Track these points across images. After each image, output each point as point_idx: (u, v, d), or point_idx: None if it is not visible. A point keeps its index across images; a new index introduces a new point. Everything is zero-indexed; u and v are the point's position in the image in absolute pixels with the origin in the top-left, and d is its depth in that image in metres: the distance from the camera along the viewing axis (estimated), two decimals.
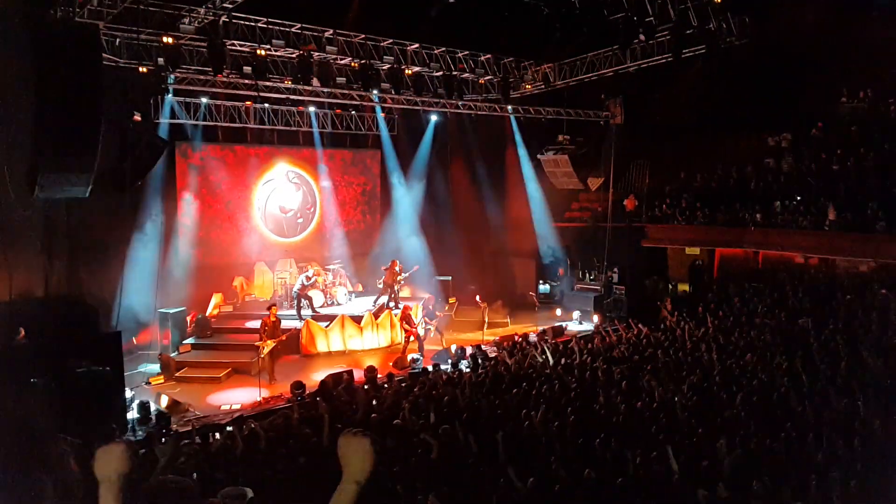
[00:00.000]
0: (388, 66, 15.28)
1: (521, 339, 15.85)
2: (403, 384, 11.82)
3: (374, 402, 10.38)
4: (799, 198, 19.15)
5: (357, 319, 16.83)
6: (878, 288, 16.16)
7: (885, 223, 16.54)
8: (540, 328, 17.58)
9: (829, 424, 8.43)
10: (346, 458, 2.10)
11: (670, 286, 21.15)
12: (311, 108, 19.52)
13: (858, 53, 19.54)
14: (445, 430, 7.73)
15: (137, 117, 15.45)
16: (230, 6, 11.96)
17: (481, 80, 17.47)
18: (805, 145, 20.93)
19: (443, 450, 7.17)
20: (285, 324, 15.74)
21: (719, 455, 7.12)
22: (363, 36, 14.55)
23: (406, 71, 15.57)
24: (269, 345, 13.46)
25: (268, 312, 14.15)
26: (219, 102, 17.92)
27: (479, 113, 19.13)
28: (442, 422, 8.25)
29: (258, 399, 12.77)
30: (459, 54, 16.21)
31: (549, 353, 13.11)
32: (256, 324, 14.52)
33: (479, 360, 13.71)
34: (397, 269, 17.91)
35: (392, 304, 17.75)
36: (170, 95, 16.68)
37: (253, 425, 9.28)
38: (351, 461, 2.09)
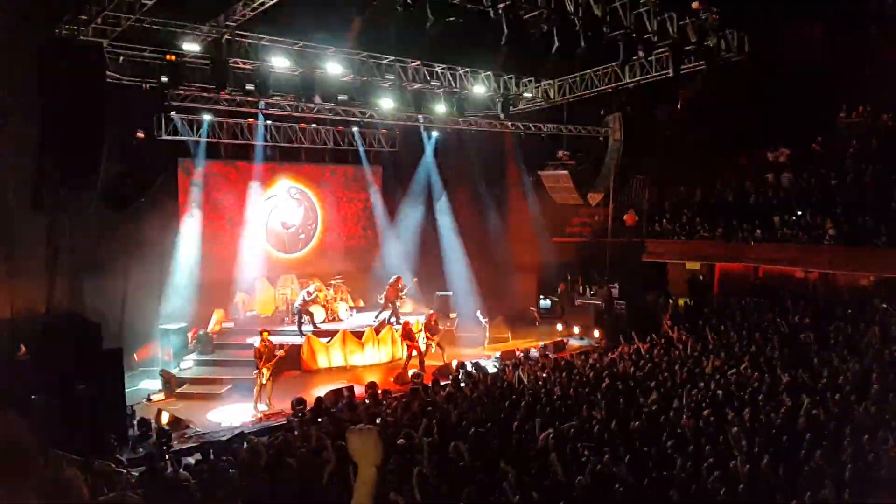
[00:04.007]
0: (390, 83, 15.39)
1: (521, 355, 15.84)
2: (404, 400, 11.79)
3: (376, 420, 10.35)
4: (799, 212, 19.18)
5: (358, 335, 16.82)
6: (879, 302, 16.15)
7: (885, 237, 16.57)
8: (541, 343, 17.57)
9: (828, 439, 8.41)
10: (360, 451, 2.29)
11: (671, 301, 21.15)
12: (313, 125, 19.62)
13: (857, 69, 19.68)
14: (444, 447, 7.72)
15: (140, 134, 15.58)
16: (233, 24, 12.06)
17: (481, 98, 17.57)
18: (804, 160, 21.01)
19: (441, 466, 7.15)
20: (286, 339, 15.77)
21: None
22: (365, 54, 14.68)
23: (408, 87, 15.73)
24: (267, 370, 13.27)
25: (259, 338, 13.70)
26: (221, 119, 18.03)
27: (479, 129, 19.23)
28: (442, 438, 8.24)
29: (259, 415, 12.76)
30: (460, 71, 16.32)
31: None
32: (256, 339, 14.30)
33: (480, 376, 13.68)
34: (400, 285, 17.94)
35: (393, 319, 17.76)
36: (173, 112, 16.78)
37: (254, 441, 9.26)
38: (365, 452, 2.28)
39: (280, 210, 20.36)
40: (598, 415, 9.74)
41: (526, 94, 17.93)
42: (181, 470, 8.27)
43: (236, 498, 7.21)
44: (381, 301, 18.24)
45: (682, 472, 7.25)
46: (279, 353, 13.43)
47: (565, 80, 17.72)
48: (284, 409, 12.66)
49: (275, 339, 14.04)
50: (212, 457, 9.28)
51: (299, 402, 12.15)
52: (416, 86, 15.95)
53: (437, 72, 15.96)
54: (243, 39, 13.16)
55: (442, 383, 13.24)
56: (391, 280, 18.08)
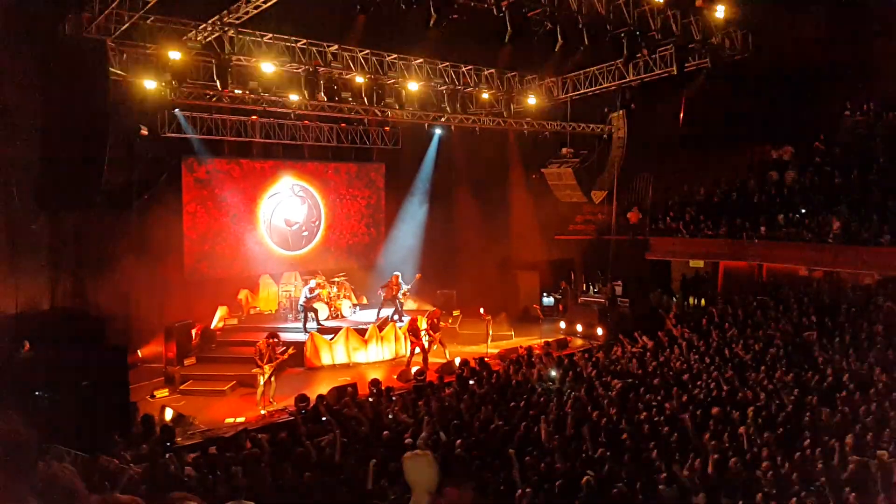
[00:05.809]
0: (393, 80, 15.39)
1: (524, 352, 15.82)
2: (409, 397, 11.80)
3: (380, 417, 10.37)
4: (803, 210, 19.13)
5: (361, 332, 16.83)
6: (883, 300, 16.10)
7: (889, 236, 16.52)
8: (544, 341, 17.55)
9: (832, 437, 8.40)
10: (415, 476, 2.29)
11: (674, 299, 21.12)
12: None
13: (862, 67, 19.61)
14: (449, 445, 7.73)
15: (144, 131, 15.61)
16: (236, 21, 12.08)
17: (485, 95, 17.55)
18: (808, 158, 20.96)
19: (446, 464, 7.16)
20: (289, 336, 15.78)
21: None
22: (368, 51, 14.67)
23: (410, 85, 15.71)
24: (268, 370, 13.16)
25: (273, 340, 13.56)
26: (225, 117, 18.06)
27: (482, 126, 19.23)
28: (448, 436, 8.25)
29: (262, 412, 12.78)
30: (463, 69, 16.31)
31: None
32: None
33: (484, 373, 13.68)
34: (399, 283, 17.95)
35: (396, 316, 17.77)
36: (176, 110, 16.80)
37: (257, 438, 9.28)
38: (420, 477, 2.27)
39: (283, 207, 20.38)
40: (602, 412, 9.74)
41: (529, 92, 17.90)
42: (184, 466, 8.29)
43: (239, 494, 7.22)
44: (382, 298, 18.27)
45: (685, 469, 7.26)
46: (282, 355, 13.41)
47: (569, 78, 17.70)
48: (288, 405, 12.68)
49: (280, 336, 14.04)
50: (215, 453, 9.30)
51: (302, 399, 12.16)
52: (420, 83, 15.95)
53: (440, 69, 15.96)
54: (246, 37, 13.17)
55: (445, 381, 13.25)
56: (389, 279, 18.12)
